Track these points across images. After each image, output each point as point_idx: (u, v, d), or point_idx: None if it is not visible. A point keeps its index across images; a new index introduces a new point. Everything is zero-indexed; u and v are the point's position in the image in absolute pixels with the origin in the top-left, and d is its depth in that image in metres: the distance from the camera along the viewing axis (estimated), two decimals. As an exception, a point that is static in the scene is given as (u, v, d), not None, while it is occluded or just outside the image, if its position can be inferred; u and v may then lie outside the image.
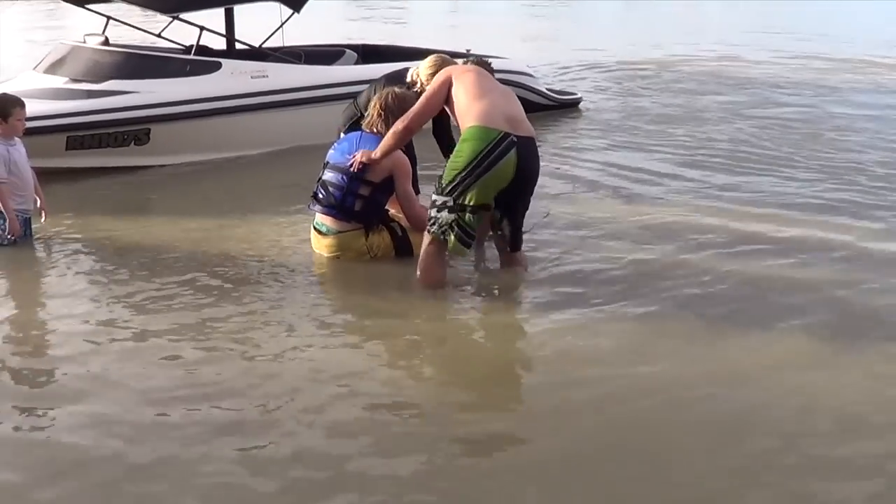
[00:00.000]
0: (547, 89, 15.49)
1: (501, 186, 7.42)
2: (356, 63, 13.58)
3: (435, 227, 7.53)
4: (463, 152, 7.39)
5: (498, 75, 13.87)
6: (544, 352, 6.80)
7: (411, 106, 8.09)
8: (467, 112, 7.55)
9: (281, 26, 13.17)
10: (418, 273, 7.71)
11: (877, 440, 5.50)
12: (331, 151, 8.47)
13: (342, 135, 8.84)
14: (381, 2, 40.04)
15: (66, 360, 6.44)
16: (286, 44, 13.60)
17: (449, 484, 5.03)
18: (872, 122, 15.08)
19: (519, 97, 14.01)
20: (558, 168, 11.75)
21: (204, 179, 11.37)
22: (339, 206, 8.20)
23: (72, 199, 10.08)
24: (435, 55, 8.78)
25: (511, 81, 14.27)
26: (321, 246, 8.41)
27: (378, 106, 8.28)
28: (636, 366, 6.39)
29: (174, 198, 10.65)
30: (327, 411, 5.73)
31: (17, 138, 8.76)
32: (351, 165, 8.05)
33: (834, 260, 8.49)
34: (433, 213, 7.55)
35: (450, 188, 7.44)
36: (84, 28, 13.69)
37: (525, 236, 8.13)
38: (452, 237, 7.51)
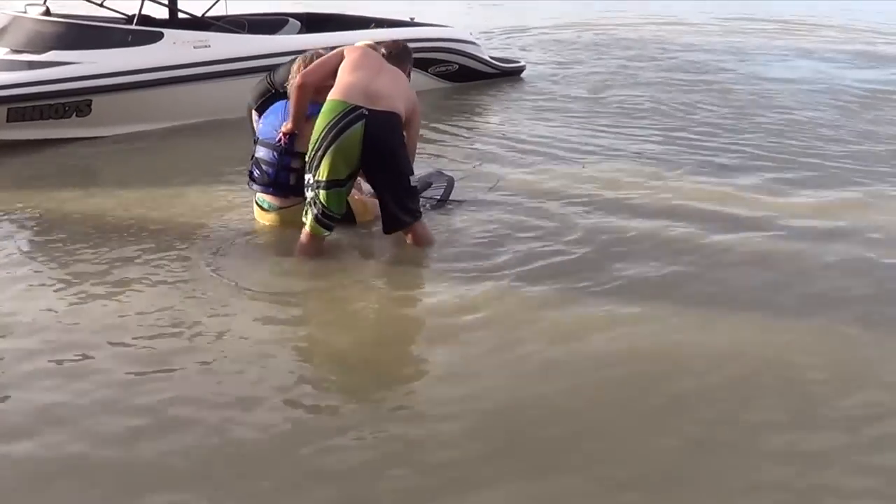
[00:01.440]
0: (490, 58, 15.49)
1: (352, 159, 7.47)
2: (300, 32, 13.54)
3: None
4: (317, 126, 7.50)
5: (441, 44, 14.21)
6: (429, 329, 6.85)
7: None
8: (335, 86, 7.66)
9: (223, -6, 13.15)
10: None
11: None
12: (259, 126, 8.44)
13: (254, 113, 8.77)
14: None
15: None
16: (229, 13, 13.55)
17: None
18: (800, 88, 15.30)
19: (463, 66, 14.36)
20: (500, 139, 11.76)
21: (145, 150, 11.29)
22: (274, 182, 8.19)
23: (9, 172, 10.03)
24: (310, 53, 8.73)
25: (454, 50, 14.41)
26: (265, 220, 8.41)
27: (302, 67, 8.17)
28: (538, 343, 6.41)
29: (115, 169, 10.59)
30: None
31: None
32: (279, 141, 8.05)
33: (774, 230, 8.55)
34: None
35: (308, 164, 7.56)
36: (25, -1, 13.60)
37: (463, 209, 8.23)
38: (310, 216, 7.62)
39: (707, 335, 6.49)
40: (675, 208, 8.99)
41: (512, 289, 7.14)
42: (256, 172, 8.26)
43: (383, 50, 8.33)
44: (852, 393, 5.78)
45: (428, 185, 9.24)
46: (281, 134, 8.02)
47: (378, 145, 7.48)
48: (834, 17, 24.68)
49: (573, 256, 7.81)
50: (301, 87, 7.84)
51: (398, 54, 8.37)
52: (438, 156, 10.69)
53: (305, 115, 7.92)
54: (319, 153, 7.43)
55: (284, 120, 8.09)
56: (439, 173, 9.73)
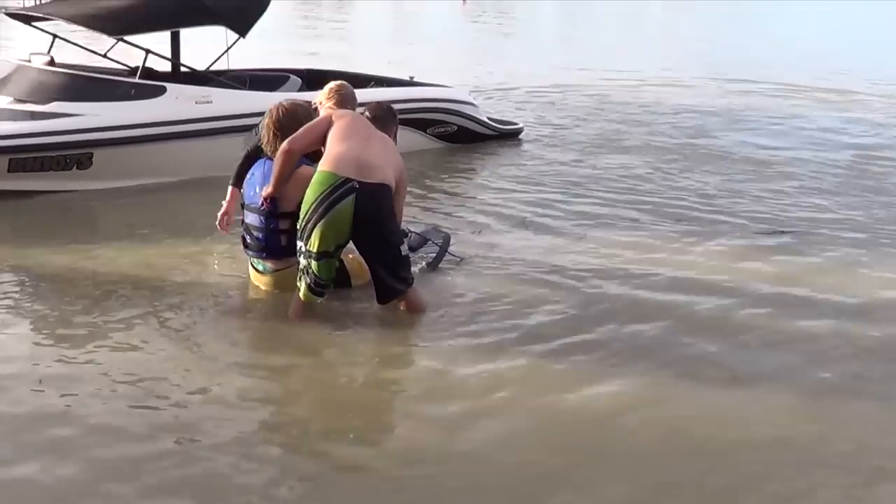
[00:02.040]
0: (489, 119, 15.57)
1: (342, 232, 7.50)
2: (301, 89, 13.57)
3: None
4: (307, 197, 7.50)
5: (440, 104, 14.25)
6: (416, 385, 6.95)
7: (303, 114, 8.17)
8: (325, 156, 7.67)
9: (226, 51, 13.19)
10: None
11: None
12: (244, 189, 8.40)
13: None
14: (326, 24, 40.17)
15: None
16: (232, 67, 13.63)
17: None
18: (795, 154, 15.38)
19: (462, 127, 14.42)
20: (492, 201, 11.82)
21: (144, 203, 11.35)
22: (266, 247, 8.20)
23: (11, 222, 10.08)
24: (335, 83, 8.76)
25: (453, 111, 14.46)
26: (260, 282, 8.41)
27: (270, 126, 8.19)
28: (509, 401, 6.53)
29: (111, 223, 10.72)
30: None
31: None
32: (262, 205, 8.01)
33: (771, 297, 8.63)
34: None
35: (300, 233, 7.59)
36: (29, 45, 13.67)
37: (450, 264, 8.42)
38: (303, 285, 7.67)
39: (736, 416, 6.52)
40: (673, 278, 9.04)
41: (506, 358, 7.17)
42: (248, 239, 8.28)
43: (367, 113, 8.38)
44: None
45: (425, 242, 9.30)
46: (262, 199, 7.99)
47: (369, 219, 7.51)
48: (831, 80, 24.86)
49: (567, 325, 7.84)
50: (287, 154, 7.80)
51: (382, 117, 8.42)
52: (434, 216, 10.76)
53: (288, 177, 7.89)
54: (310, 225, 7.45)
55: (265, 182, 8.06)
56: (435, 230, 9.80)
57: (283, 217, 7.99)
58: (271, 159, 8.16)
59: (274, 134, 8.14)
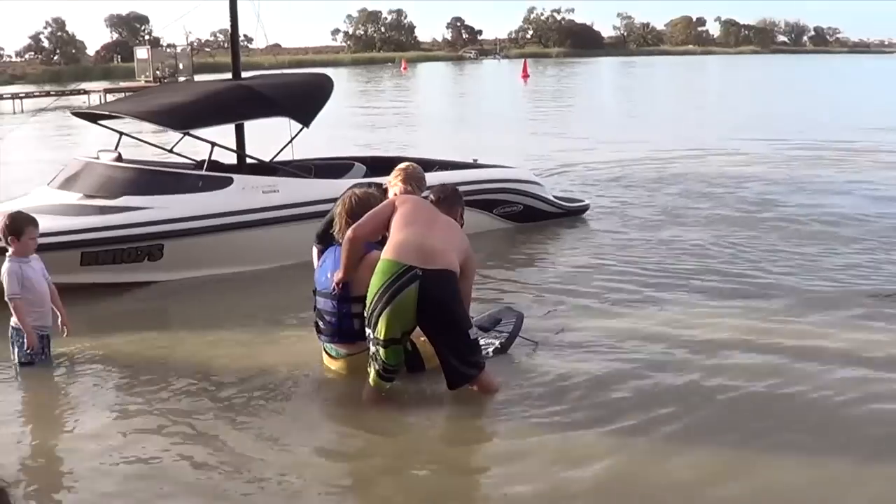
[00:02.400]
0: (555, 197, 15.54)
1: (407, 320, 7.45)
2: (365, 175, 13.67)
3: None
4: (372, 285, 7.48)
5: (506, 185, 14.26)
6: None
7: (375, 203, 8.14)
8: (388, 243, 7.65)
9: (290, 141, 13.33)
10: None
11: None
12: (316, 275, 8.42)
13: (314, 249, 8.75)
14: (387, 112, 40.49)
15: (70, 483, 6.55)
16: (296, 157, 13.74)
17: None
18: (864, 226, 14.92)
19: (527, 206, 14.39)
20: (561, 280, 11.72)
21: (214, 293, 11.42)
22: (339, 331, 8.18)
23: (88, 315, 10.13)
24: (404, 164, 8.85)
25: (519, 191, 14.46)
26: (333, 366, 8.38)
27: (343, 213, 8.22)
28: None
29: (184, 313, 10.78)
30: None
31: (33, 255, 8.83)
32: (333, 290, 8.01)
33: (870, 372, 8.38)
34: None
35: (367, 320, 7.56)
36: (97, 143, 13.88)
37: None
38: (372, 371, 7.64)
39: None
40: (730, 354, 8.83)
41: (581, 440, 7.04)
42: (321, 324, 8.27)
43: (432, 196, 8.37)
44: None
45: (497, 322, 9.22)
46: (333, 284, 7.99)
47: (434, 306, 7.44)
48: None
49: (643, 402, 7.69)
50: (352, 241, 7.80)
51: (447, 199, 8.38)
52: (504, 295, 10.67)
53: (357, 262, 7.89)
54: (375, 313, 7.42)
55: (335, 268, 8.06)
56: (508, 309, 9.71)
57: (355, 301, 7.96)
58: (340, 245, 8.17)
59: (346, 222, 8.14)
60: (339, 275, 7.93)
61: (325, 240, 8.58)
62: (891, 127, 28.40)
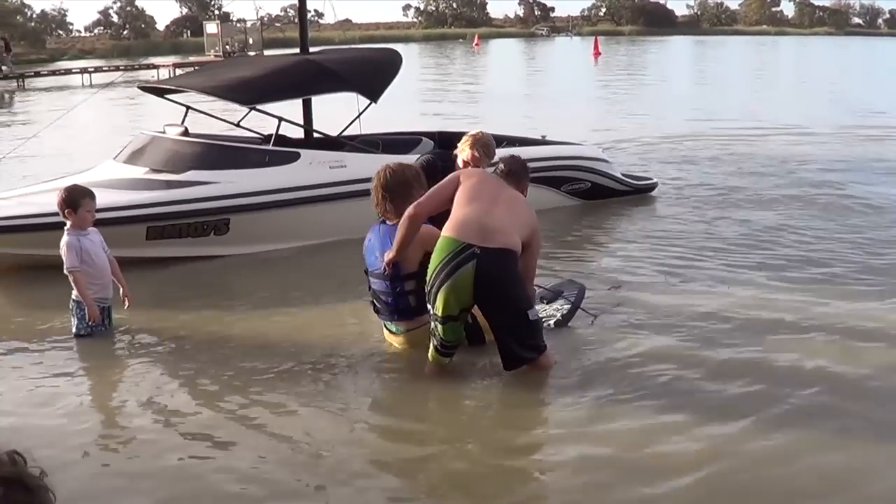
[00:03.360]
0: (622, 174, 15.41)
1: (464, 298, 7.38)
2: (434, 150, 13.61)
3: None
4: (432, 262, 7.44)
5: (574, 162, 14.15)
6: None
7: (411, 176, 8.14)
8: (449, 220, 7.60)
9: (358, 116, 13.31)
10: None
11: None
12: (364, 256, 8.36)
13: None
14: (456, 87, 40.42)
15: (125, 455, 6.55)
16: (364, 131, 13.70)
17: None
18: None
19: (595, 184, 14.28)
20: (627, 257, 11.67)
21: (280, 267, 11.43)
22: (396, 309, 8.14)
23: (150, 288, 10.16)
24: (475, 132, 8.82)
25: (587, 168, 14.37)
26: (394, 342, 8.35)
27: (378, 188, 8.17)
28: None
29: (250, 287, 10.71)
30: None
31: (91, 228, 8.85)
32: (385, 271, 7.94)
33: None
34: None
35: (427, 296, 7.56)
36: (164, 117, 13.90)
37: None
38: (431, 346, 7.61)
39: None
40: (797, 336, 8.66)
41: (640, 418, 6.92)
42: (377, 304, 8.24)
43: (502, 166, 8.31)
44: None
45: (559, 294, 9.15)
46: (384, 265, 7.93)
47: (490, 285, 7.37)
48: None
49: (701, 383, 7.57)
50: (413, 218, 7.73)
51: (516, 172, 8.32)
52: (568, 273, 10.50)
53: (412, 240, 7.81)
54: (434, 290, 7.39)
55: (383, 247, 8.02)
56: (570, 282, 9.67)
57: (408, 278, 7.95)
58: (385, 223, 8.16)
59: (382, 196, 8.12)
60: (390, 254, 7.85)
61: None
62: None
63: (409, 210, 7.75)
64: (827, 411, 7.01)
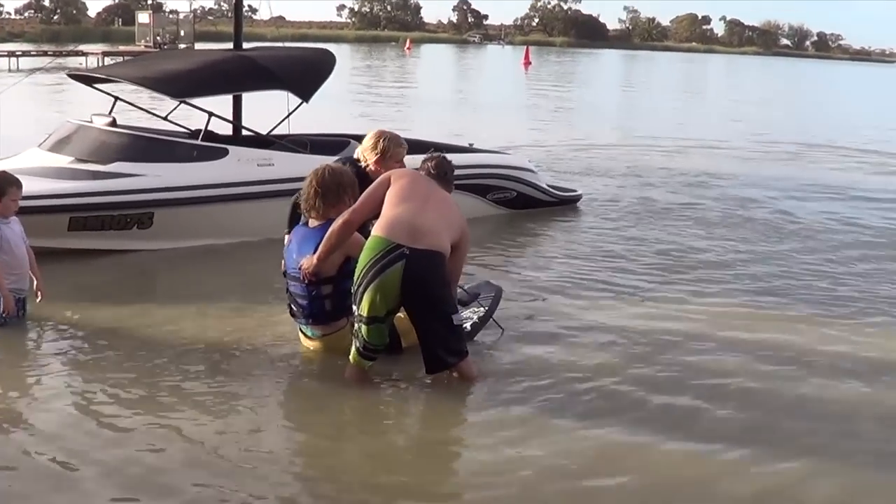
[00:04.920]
0: (548, 186, 15.51)
1: (391, 298, 7.39)
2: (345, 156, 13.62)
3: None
4: (360, 261, 7.43)
5: (500, 171, 14.25)
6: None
7: (347, 181, 8.10)
8: (380, 219, 7.59)
9: (289, 115, 13.27)
10: None
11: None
12: (283, 258, 8.30)
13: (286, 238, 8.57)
14: (388, 91, 40.41)
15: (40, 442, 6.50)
16: (292, 131, 13.66)
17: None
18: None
19: (521, 193, 14.37)
20: (546, 267, 11.77)
21: (203, 264, 11.38)
22: (311, 313, 8.12)
23: (68, 280, 10.07)
24: (377, 131, 8.84)
25: (513, 177, 14.43)
26: (309, 346, 8.32)
27: (314, 183, 8.09)
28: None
29: (171, 283, 10.69)
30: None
31: (12, 217, 8.76)
32: (303, 278, 7.89)
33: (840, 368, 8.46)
34: None
35: (353, 295, 7.51)
36: (91, 106, 13.78)
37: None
38: (353, 348, 7.59)
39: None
40: (715, 348, 8.87)
41: (553, 432, 6.99)
42: (294, 307, 8.21)
43: (430, 168, 8.30)
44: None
45: (476, 297, 9.17)
46: (303, 273, 7.86)
47: (418, 286, 7.38)
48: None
49: (620, 394, 7.70)
50: (348, 224, 7.70)
51: (443, 174, 8.32)
52: (487, 278, 10.50)
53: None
54: (360, 289, 7.38)
55: (301, 250, 7.99)
56: (488, 283, 9.71)
57: (326, 283, 7.92)
58: (306, 225, 8.16)
59: (315, 192, 8.05)
60: (312, 260, 7.81)
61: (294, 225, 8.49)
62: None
63: (345, 216, 7.71)
64: (740, 423, 7.22)
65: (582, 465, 6.45)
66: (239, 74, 13.03)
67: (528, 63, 71.49)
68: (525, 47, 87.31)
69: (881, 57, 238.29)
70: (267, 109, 13.74)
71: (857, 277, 11.70)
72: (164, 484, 5.98)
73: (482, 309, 9.00)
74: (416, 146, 12.83)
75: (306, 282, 7.90)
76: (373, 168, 8.55)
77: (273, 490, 5.99)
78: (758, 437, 6.97)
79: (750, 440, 6.90)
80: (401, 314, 7.88)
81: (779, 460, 6.61)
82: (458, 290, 8.81)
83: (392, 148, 8.63)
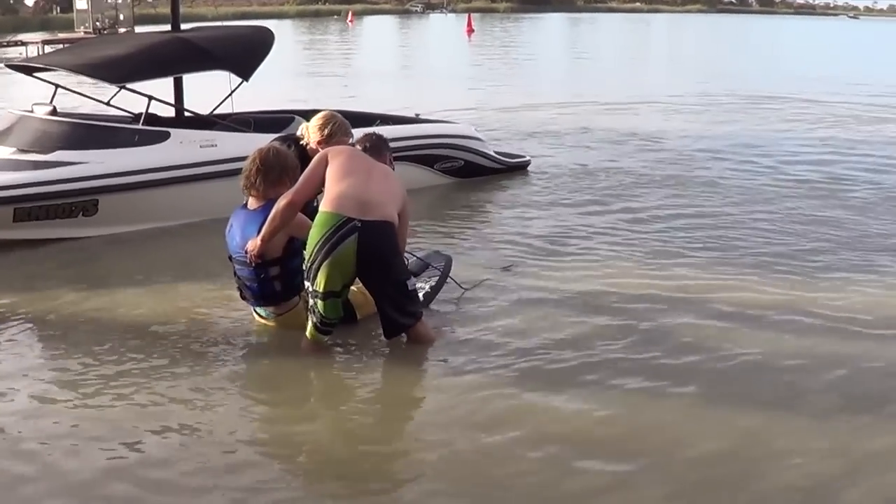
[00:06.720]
0: (495, 153, 15.51)
1: (347, 272, 7.47)
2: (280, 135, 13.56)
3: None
4: (311, 238, 7.46)
5: (446, 140, 14.22)
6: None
7: (291, 164, 8.08)
8: (325, 196, 7.62)
9: (230, 95, 13.18)
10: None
11: None
12: (227, 241, 8.24)
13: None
14: (331, 65, 40.24)
15: None
16: (236, 110, 13.58)
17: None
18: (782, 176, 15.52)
19: (469, 162, 14.37)
20: (497, 234, 11.84)
21: (150, 248, 11.30)
22: (261, 295, 8.11)
23: (16, 269, 10.03)
24: (325, 112, 8.86)
25: (460, 146, 14.41)
26: (265, 325, 8.32)
27: (257, 160, 8.04)
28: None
29: (119, 269, 10.52)
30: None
31: None
32: (249, 261, 7.85)
33: (778, 321, 8.58)
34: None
35: (306, 273, 7.55)
36: (32, 96, 13.65)
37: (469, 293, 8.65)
38: (310, 324, 7.65)
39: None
40: (692, 304, 8.99)
41: (512, 389, 7.11)
42: (244, 290, 8.19)
43: (359, 146, 8.37)
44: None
45: (426, 266, 9.22)
46: (249, 256, 7.82)
47: (373, 256, 7.46)
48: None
49: (565, 360, 7.72)
50: (292, 206, 7.68)
51: (375, 146, 8.42)
52: (437, 247, 10.51)
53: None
54: (315, 266, 7.41)
55: (244, 233, 7.94)
56: (437, 253, 9.74)
57: (272, 264, 7.90)
58: (245, 208, 8.15)
59: (257, 170, 7.99)
60: (255, 244, 7.78)
61: None
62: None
63: (288, 196, 7.68)
64: (700, 379, 7.33)
65: (547, 426, 6.53)
66: (177, 57, 12.93)
67: (470, 30, 71.30)
68: (467, 14, 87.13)
69: (825, 10, 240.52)
70: (211, 90, 13.65)
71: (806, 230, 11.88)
72: (130, 470, 5.96)
73: (434, 278, 9.05)
74: (363, 119, 12.85)
75: (253, 264, 7.87)
76: (314, 147, 8.54)
77: (234, 469, 5.99)
78: (721, 396, 7.07)
79: (714, 398, 7.01)
80: (354, 287, 7.92)
81: (737, 419, 6.71)
82: (411, 258, 8.86)
83: (339, 135, 8.62)
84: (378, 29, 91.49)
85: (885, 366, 7.59)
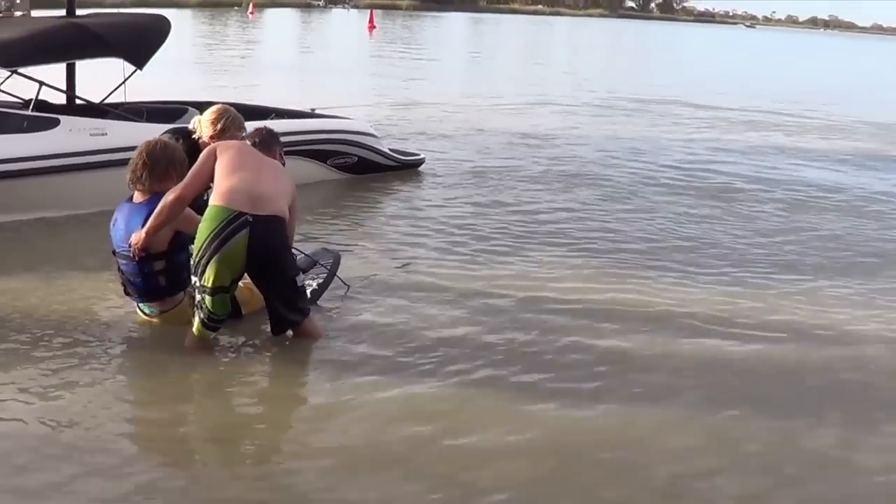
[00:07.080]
0: (390, 150, 15.55)
1: (237, 267, 7.44)
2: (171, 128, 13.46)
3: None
4: (200, 232, 7.40)
5: (340, 136, 14.22)
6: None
7: (178, 159, 8.03)
8: (215, 190, 7.58)
9: (123, 83, 13.02)
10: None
11: None
12: (111, 235, 8.13)
13: None
14: (228, 57, 39.94)
15: None
16: (129, 99, 13.43)
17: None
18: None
19: (362, 158, 14.37)
20: (388, 232, 11.89)
21: (36, 237, 11.08)
22: (145, 291, 8.02)
23: None
24: (218, 106, 8.86)
25: (354, 142, 14.41)
26: (149, 322, 8.21)
27: (144, 154, 7.97)
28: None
29: (2, 257, 10.33)
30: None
31: None
32: (133, 255, 7.75)
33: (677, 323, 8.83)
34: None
35: (194, 268, 7.49)
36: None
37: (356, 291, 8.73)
38: (197, 319, 7.58)
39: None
40: (582, 302, 9.25)
41: (396, 384, 7.21)
42: (127, 286, 8.09)
43: (249, 141, 8.34)
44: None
45: (314, 264, 9.23)
46: (133, 249, 7.72)
47: (264, 251, 7.45)
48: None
49: (448, 352, 7.88)
50: (179, 200, 7.59)
51: (265, 140, 8.38)
52: (330, 245, 10.57)
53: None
54: (203, 261, 7.35)
55: (128, 227, 7.84)
56: (325, 250, 9.76)
57: (157, 258, 7.83)
58: (129, 201, 8.05)
59: (144, 163, 7.91)
60: (139, 237, 7.69)
61: None
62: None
63: (177, 191, 7.61)
64: (604, 379, 7.56)
65: (429, 416, 6.70)
66: (70, 42, 12.70)
67: (372, 26, 71.36)
68: (370, 11, 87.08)
69: (724, 18, 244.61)
70: (105, 77, 13.49)
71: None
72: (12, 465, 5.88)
73: (322, 274, 9.07)
74: (257, 112, 12.80)
75: (137, 258, 7.78)
76: (206, 141, 8.50)
77: (114, 470, 5.89)
78: (603, 389, 7.32)
79: (601, 393, 7.24)
80: (240, 283, 7.85)
81: (641, 416, 6.92)
82: (300, 255, 8.86)
83: (232, 130, 8.60)
84: (279, 22, 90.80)
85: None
